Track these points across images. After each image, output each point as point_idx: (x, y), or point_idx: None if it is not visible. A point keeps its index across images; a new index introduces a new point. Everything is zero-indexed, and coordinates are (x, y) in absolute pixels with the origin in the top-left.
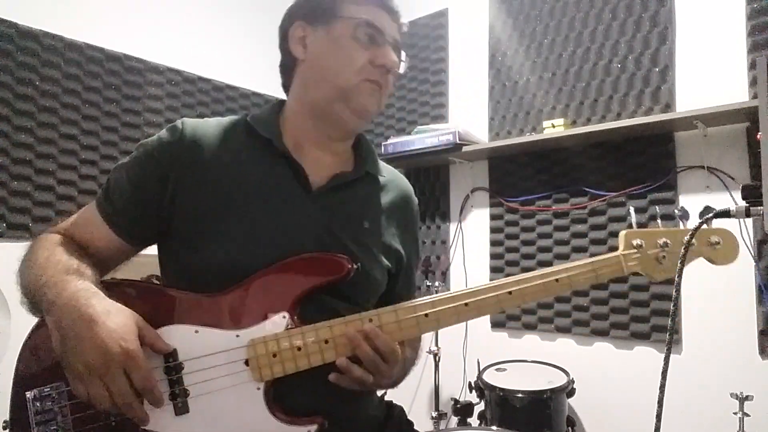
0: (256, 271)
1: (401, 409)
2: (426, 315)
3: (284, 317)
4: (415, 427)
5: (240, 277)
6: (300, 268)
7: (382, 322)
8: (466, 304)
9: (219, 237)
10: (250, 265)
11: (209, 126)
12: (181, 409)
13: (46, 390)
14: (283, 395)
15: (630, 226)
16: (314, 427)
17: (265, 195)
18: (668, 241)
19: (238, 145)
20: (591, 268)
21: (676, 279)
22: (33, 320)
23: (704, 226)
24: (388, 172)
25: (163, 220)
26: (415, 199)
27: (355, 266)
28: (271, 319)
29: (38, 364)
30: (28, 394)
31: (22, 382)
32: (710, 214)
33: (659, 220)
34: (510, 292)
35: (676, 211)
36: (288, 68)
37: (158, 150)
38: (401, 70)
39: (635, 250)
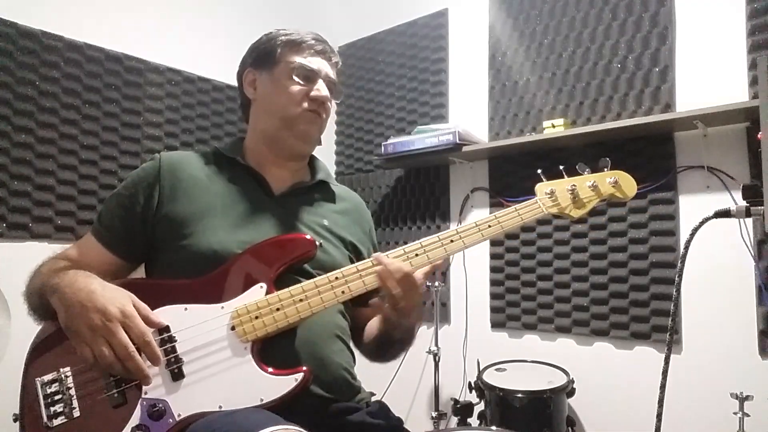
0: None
1: (385, 404)
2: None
3: (262, 287)
4: (415, 428)
5: (218, 265)
6: (273, 247)
7: (346, 276)
8: (416, 254)
9: (196, 236)
10: (226, 257)
11: (183, 154)
12: (178, 375)
13: (53, 374)
14: (269, 355)
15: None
16: (300, 375)
17: (234, 200)
18: (575, 186)
19: (209, 166)
20: (514, 209)
21: (676, 279)
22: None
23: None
24: (341, 188)
25: (149, 231)
26: (367, 210)
27: (318, 242)
28: (251, 289)
29: (45, 356)
30: (38, 380)
31: (32, 373)
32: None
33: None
34: (452, 240)
35: (604, 158)
36: (245, 107)
37: (142, 175)
38: (338, 100)
39: (549, 196)
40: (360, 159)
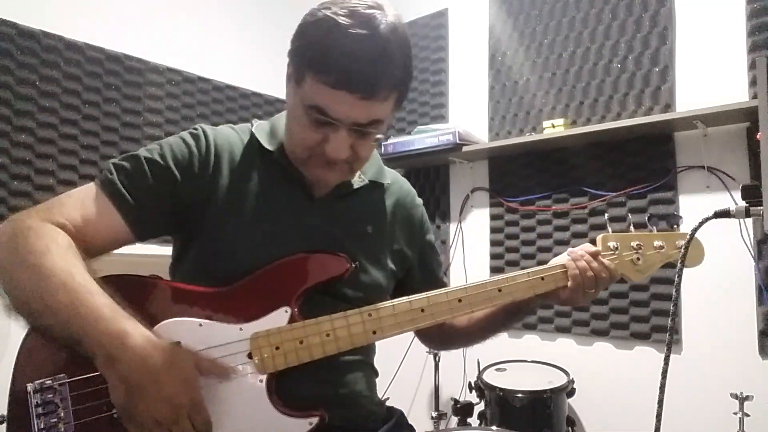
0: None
1: (402, 414)
2: (422, 310)
3: (287, 311)
4: (416, 428)
5: (246, 276)
6: (301, 265)
7: (381, 315)
8: (459, 300)
9: (227, 239)
10: (256, 266)
11: (224, 136)
12: None
13: (47, 382)
14: (284, 388)
15: (629, 225)
16: (315, 419)
17: (272, 204)
18: (641, 244)
19: (247, 156)
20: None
21: (676, 279)
22: None
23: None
24: (391, 176)
25: (175, 220)
26: (418, 199)
27: (353, 265)
28: (274, 312)
29: (39, 357)
30: (29, 386)
31: (22, 375)
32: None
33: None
34: (500, 289)
35: (675, 213)
36: None
37: (180, 153)
38: (366, 140)
39: (612, 252)
40: None
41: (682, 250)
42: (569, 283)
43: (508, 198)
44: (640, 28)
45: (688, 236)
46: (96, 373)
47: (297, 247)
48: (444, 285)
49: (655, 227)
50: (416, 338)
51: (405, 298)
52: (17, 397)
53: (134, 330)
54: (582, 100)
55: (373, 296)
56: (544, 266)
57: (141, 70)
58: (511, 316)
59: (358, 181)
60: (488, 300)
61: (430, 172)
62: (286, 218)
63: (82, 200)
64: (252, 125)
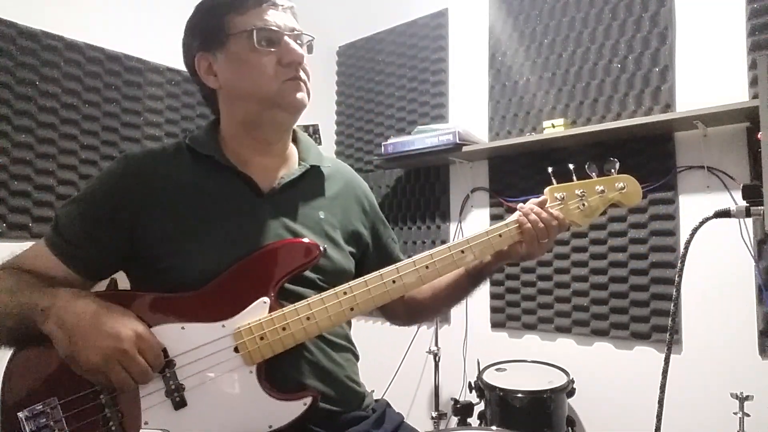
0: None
1: (388, 403)
2: (393, 281)
3: (265, 302)
4: (416, 427)
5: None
6: (273, 256)
7: (355, 292)
8: (426, 267)
9: (186, 254)
10: (218, 271)
11: (152, 155)
12: (180, 404)
13: (38, 407)
14: (275, 374)
15: (572, 176)
16: (309, 399)
17: (220, 207)
18: (584, 191)
19: (184, 167)
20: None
21: (676, 279)
22: None
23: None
24: (331, 161)
25: (119, 253)
26: (362, 181)
27: (322, 249)
28: (252, 305)
29: (25, 385)
30: (20, 414)
31: (11, 405)
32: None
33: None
34: (462, 251)
35: (611, 158)
36: (209, 98)
37: (106, 185)
38: (310, 53)
39: (559, 202)
40: (360, 159)
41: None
42: (523, 236)
43: (508, 198)
44: (640, 28)
45: (618, 175)
46: (87, 391)
47: (254, 244)
48: (400, 260)
49: (594, 173)
50: (384, 318)
51: (375, 273)
52: (10, 426)
53: (63, 289)
54: (582, 100)
55: (337, 280)
56: (500, 223)
57: (141, 70)
58: (474, 280)
59: (299, 168)
60: (453, 264)
61: (430, 172)
62: (238, 217)
63: (34, 253)
64: (185, 139)
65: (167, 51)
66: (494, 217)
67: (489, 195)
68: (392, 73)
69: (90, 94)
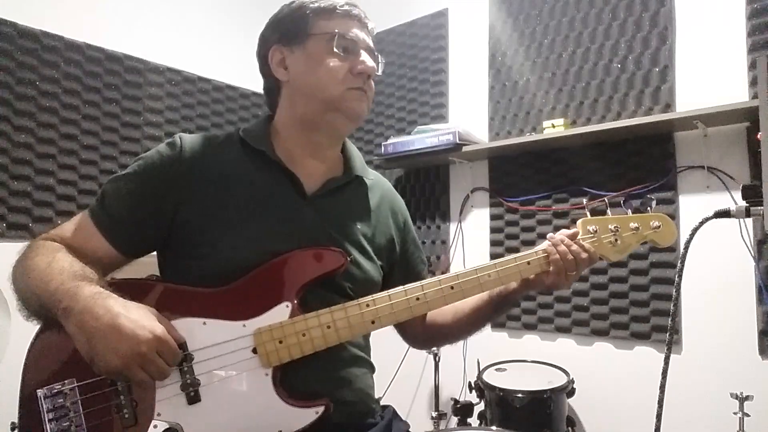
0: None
1: (394, 410)
2: (417, 299)
3: (287, 306)
4: (415, 427)
5: (243, 275)
6: (299, 261)
7: (378, 305)
8: (452, 287)
9: (221, 244)
10: (250, 265)
11: (205, 141)
12: (194, 399)
13: (57, 387)
14: (290, 380)
15: (606, 208)
16: (321, 408)
17: (263, 202)
18: (618, 227)
19: (234, 158)
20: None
21: (676, 279)
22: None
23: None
24: (374, 174)
25: (161, 233)
26: (399, 197)
27: (348, 258)
28: (275, 308)
29: (47, 363)
30: (39, 392)
31: (31, 382)
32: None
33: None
34: (489, 275)
35: (648, 196)
36: (272, 90)
37: (158, 165)
38: (379, 72)
39: (591, 235)
40: None
41: (654, 230)
42: (551, 268)
43: (508, 198)
44: (640, 28)
45: (658, 216)
46: (105, 376)
47: (291, 244)
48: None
49: (629, 210)
50: (403, 338)
51: (400, 288)
52: (28, 403)
53: (87, 286)
54: (582, 100)
55: (365, 290)
56: (528, 251)
57: (141, 70)
58: (497, 307)
59: (345, 176)
60: (479, 286)
61: (430, 172)
62: (279, 215)
63: (77, 225)
64: (238, 130)
65: (167, 51)
66: (494, 217)
67: (489, 195)
68: (392, 73)
69: (90, 94)
